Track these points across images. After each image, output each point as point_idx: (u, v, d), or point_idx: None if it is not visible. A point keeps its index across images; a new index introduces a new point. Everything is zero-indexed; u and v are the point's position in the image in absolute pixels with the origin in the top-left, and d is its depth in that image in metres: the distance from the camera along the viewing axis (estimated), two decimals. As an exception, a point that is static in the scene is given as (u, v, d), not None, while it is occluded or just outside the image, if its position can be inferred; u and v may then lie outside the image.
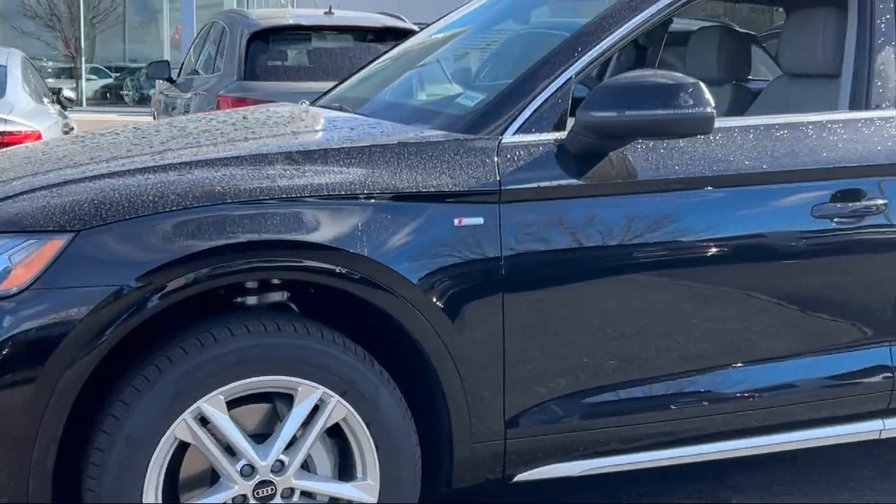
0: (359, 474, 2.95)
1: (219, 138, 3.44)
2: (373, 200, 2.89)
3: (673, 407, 3.25)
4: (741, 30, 4.99)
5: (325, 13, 8.93)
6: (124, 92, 37.53)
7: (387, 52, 4.69)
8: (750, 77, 4.68)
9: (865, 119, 3.42)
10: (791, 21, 3.97)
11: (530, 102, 3.12)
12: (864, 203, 3.34)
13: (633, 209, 3.13)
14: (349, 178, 2.89)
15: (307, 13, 9.57)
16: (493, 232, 2.97)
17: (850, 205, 3.33)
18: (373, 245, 2.84)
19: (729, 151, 3.22)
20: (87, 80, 36.91)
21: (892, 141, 3.40)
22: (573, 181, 3.06)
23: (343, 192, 2.86)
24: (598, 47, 3.21)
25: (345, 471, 2.98)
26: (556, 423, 3.12)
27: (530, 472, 3.15)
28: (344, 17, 8.94)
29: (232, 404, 2.83)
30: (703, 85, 2.99)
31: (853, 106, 3.49)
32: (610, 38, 3.23)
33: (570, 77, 3.15)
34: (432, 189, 2.94)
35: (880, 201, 3.35)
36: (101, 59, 38.91)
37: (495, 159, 3.00)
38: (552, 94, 3.14)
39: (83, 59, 35.33)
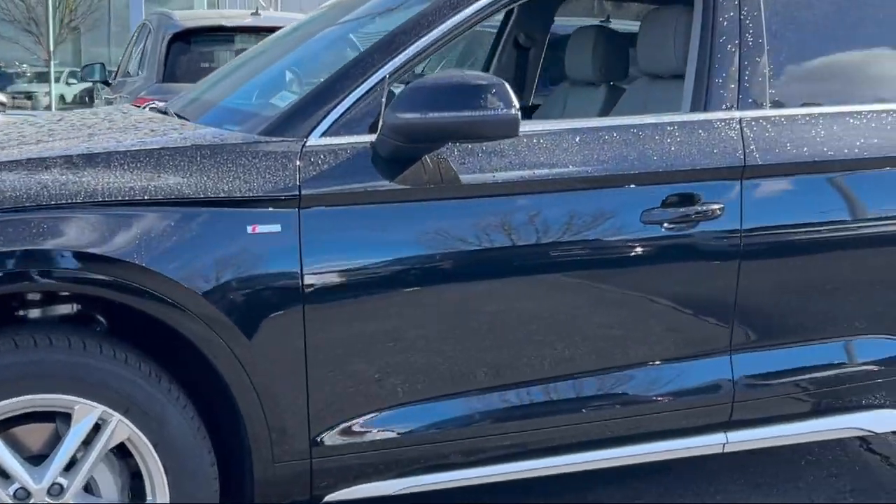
0: (149, 496, 2.80)
1: (39, 139, 3.29)
2: (156, 207, 2.74)
3: (501, 420, 3.12)
4: (621, 30, 4.83)
5: (252, 14, 8.78)
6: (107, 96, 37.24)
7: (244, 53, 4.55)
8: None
9: (701, 121, 3.27)
10: (646, 20, 3.84)
11: (339, 103, 2.99)
12: (697, 208, 3.19)
13: (447, 216, 2.99)
14: (131, 184, 2.75)
15: (234, 14, 9.42)
16: (291, 240, 2.83)
17: (682, 210, 3.19)
18: (154, 255, 2.69)
19: (553, 155, 3.08)
20: (68, 83, 36.60)
21: (729, 143, 3.24)
22: (382, 186, 2.93)
23: (122, 199, 2.71)
24: (414, 46, 3.08)
25: (137, 493, 2.83)
26: (367, 441, 2.98)
27: (341, 492, 3.01)
28: (270, 17, 8.79)
29: (9, 423, 2.66)
30: (507, 85, 2.86)
31: (694, 107, 3.34)
32: (428, 36, 3.09)
33: (384, 77, 3.01)
34: (223, 195, 2.79)
35: (716, 206, 3.20)
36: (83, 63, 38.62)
37: (297, 163, 2.86)
38: (363, 94, 3.00)
39: (54, 63, 35.05)
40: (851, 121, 3.41)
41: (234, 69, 4.07)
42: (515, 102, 2.85)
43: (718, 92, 3.32)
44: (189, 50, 8.37)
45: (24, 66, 37.05)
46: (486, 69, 4.99)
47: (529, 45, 4.91)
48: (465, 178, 2.99)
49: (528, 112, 4.86)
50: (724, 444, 3.38)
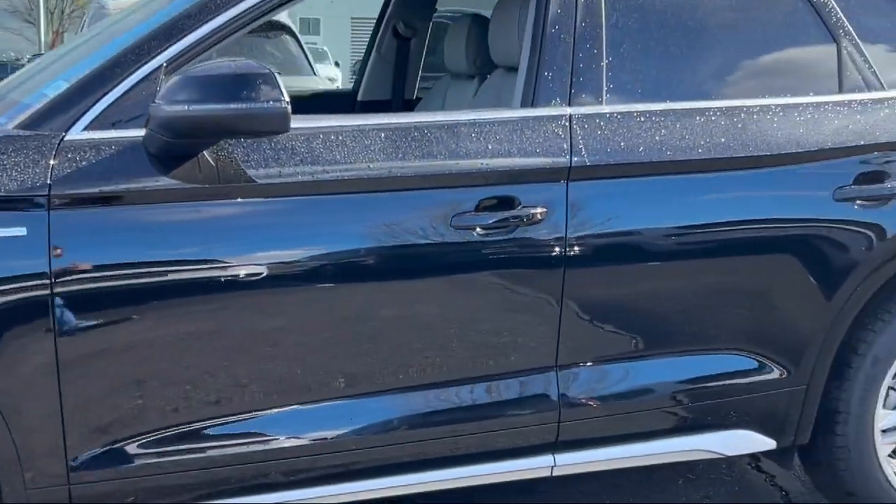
0: None
1: None
2: None
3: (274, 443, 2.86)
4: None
5: None
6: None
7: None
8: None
9: (526, 118, 2.99)
10: (497, 6, 3.56)
11: (107, 94, 2.73)
12: (516, 212, 2.91)
13: (222, 218, 2.72)
14: None
15: None
16: (39, 245, 2.56)
17: (498, 214, 2.91)
18: None
19: (353, 153, 2.81)
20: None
21: (555, 142, 2.97)
22: (151, 185, 2.65)
23: None
24: (197, 32, 2.80)
25: None
26: (132, 465, 2.71)
27: (103, 520, 2.74)
28: None
29: None
30: (276, 76, 2.58)
31: (524, 102, 3.06)
32: (214, 21, 2.83)
33: (160, 66, 2.73)
34: None
35: (537, 210, 2.92)
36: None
37: (50, 160, 2.58)
38: (136, 84, 2.74)
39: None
40: (698, 119, 3.12)
41: (56, 58, 3.79)
42: (284, 95, 2.57)
43: (548, 86, 3.04)
44: None
45: (27, 56, 36.91)
46: (365, 62, 4.71)
47: (410, 34, 4.64)
48: (253, 174, 2.71)
49: (412, 105, 4.60)
50: (552, 467, 3.10)
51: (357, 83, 4.76)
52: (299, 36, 8.14)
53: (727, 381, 3.23)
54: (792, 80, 3.33)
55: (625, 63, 3.14)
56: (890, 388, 3.49)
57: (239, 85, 2.56)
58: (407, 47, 4.68)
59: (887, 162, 3.30)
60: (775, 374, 3.26)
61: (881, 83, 3.37)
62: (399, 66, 4.67)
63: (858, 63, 3.35)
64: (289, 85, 2.81)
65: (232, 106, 2.55)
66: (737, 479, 4.10)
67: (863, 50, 3.36)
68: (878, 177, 3.27)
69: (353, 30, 17.50)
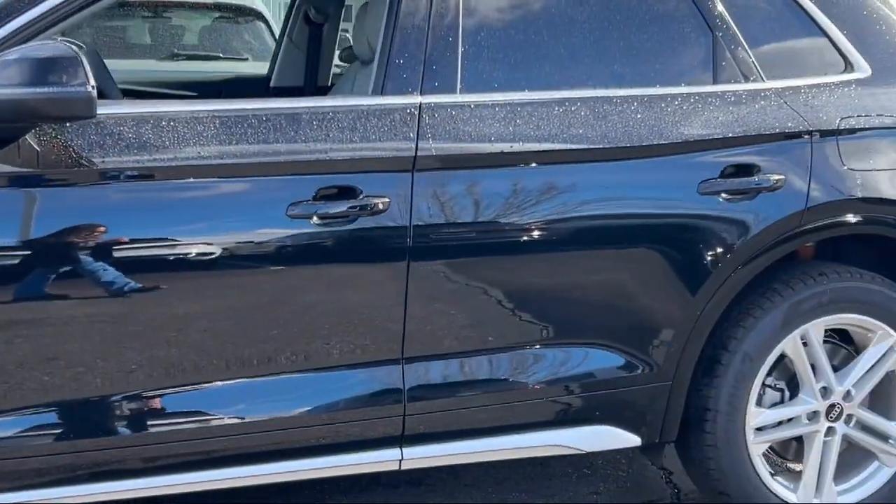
0: None
1: None
2: None
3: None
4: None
5: None
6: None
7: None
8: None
9: (373, 106, 2.94)
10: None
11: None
12: (356, 202, 2.87)
13: (40, 202, 2.68)
14: None
15: None
16: None
17: (338, 204, 2.86)
18: None
19: (183, 139, 2.77)
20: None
21: (401, 131, 2.95)
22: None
23: None
24: (27, 14, 2.75)
25: None
26: None
27: None
28: None
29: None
30: (82, 59, 2.54)
31: (375, 90, 3.02)
32: (41, 6, 2.77)
33: (-17, 49, 2.70)
34: None
35: (379, 200, 2.88)
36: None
37: None
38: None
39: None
40: (557, 109, 3.06)
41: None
42: (90, 80, 2.53)
43: (400, 74, 2.99)
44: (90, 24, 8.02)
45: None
46: (277, 48, 4.67)
47: (321, 20, 4.59)
48: (76, 159, 2.68)
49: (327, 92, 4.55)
50: (399, 461, 3.05)
51: (270, 70, 4.71)
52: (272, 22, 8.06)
53: (587, 377, 3.16)
54: (664, 69, 3.26)
55: (482, 52, 3.08)
56: (767, 385, 3.41)
57: (45, 69, 2.52)
58: (319, 33, 4.64)
59: (757, 155, 3.22)
60: (638, 370, 3.20)
61: (761, 74, 3.29)
62: (311, 53, 4.62)
63: (736, 53, 3.27)
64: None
65: (35, 90, 2.52)
66: (633, 475, 4.04)
67: (741, 40, 3.28)
68: (746, 170, 3.20)
69: None
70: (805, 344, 3.37)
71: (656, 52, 3.27)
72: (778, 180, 3.20)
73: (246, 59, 7.47)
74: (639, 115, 3.12)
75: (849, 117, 3.30)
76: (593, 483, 3.95)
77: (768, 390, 3.43)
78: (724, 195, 3.16)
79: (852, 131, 3.31)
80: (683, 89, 3.21)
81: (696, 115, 3.17)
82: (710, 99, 3.21)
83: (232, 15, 8.19)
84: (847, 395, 3.42)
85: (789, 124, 3.24)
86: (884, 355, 3.45)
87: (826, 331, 3.44)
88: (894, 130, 3.38)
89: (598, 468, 4.05)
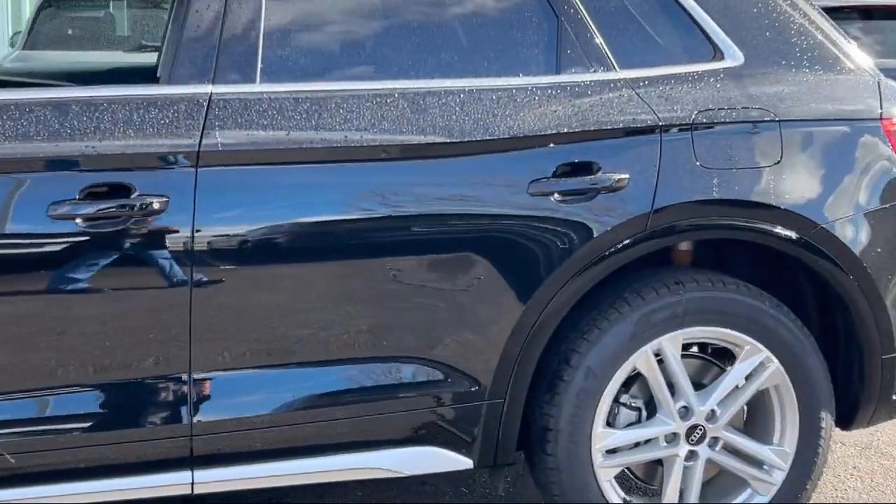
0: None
1: None
2: None
3: None
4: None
5: None
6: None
7: None
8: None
9: (153, 97, 2.72)
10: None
11: None
12: (128, 201, 2.64)
13: None
14: None
15: None
16: None
17: (106, 202, 2.63)
18: None
19: None
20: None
21: (183, 123, 2.72)
22: None
23: None
24: None
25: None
26: None
27: None
28: None
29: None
30: None
31: (162, 79, 2.79)
32: None
33: None
34: None
35: (156, 199, 2.63)
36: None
37: None
38: None
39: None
40: (369, 102, 2.79)
41: None
42: None
43: (189, 61, 2.73)
44: (57, 15, 7.91)
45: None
46: (163, 36, 4.43)
47: None
48: None
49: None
50: (191, 484, 2.80)
51: (157, 58, 4.48)
52: None
53: (405, 394, 2.89)
54: (500, 59, 2.98)
55: (287, 37, 2.82)
56: (622, 404, 3.11)
57: None
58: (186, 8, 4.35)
59: (597, 152, 2.92)
60: (465, 387, 2.92)
61: (613, 63, 2.99)
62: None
63: (584, 40, 2.98)
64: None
65: None
66: (507, 497, 3.75)
67: (590, 25, 2.98)
68: (583, 169, 2.91)
69: None
70: (662, 360, 3.05)
71: (491, 39, 2.99)
72: (620, 180, 2.90)
73: None
74: (464, 109, 2.84)
75: (708, 110, 2.99)
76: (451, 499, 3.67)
77: (623, 409, 3.12)
78: (556, 196, 2.87)
79: (710, 125, 3.00)
80: (516, 80, 2.93)
81: (530, 108, 2.88)
82: (548, 90, 2.92)
83: None
84: (711, 416, 3.11)
85: (637, 118, 2.94)
86: (753, 373, 3.12)
87: (700, 345, 3.15)
88: (760, 125, 3.03)
89: (477, 488, 3.76)
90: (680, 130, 2.97)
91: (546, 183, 2.87)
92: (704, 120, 2.99)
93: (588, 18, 3.00)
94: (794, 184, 3.03)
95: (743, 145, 3.01)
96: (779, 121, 3.04)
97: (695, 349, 3.15)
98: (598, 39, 3.00)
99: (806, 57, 3.15)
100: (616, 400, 3.12)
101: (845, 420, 3.33)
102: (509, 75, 2.95)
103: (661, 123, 2.95)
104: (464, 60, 2.96)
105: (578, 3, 3.00)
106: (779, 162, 3.02)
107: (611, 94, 2.96)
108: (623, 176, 2.91)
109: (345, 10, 2.90)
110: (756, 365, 3.12)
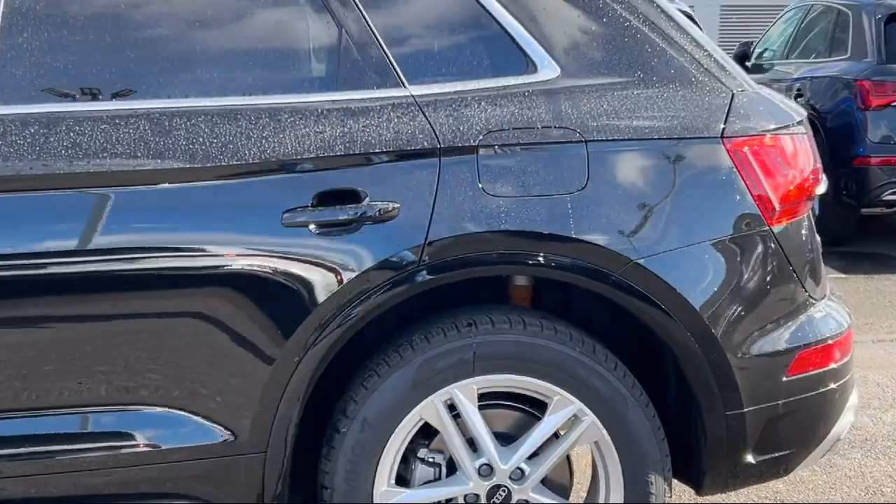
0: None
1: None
2: None
3: None
4: None
5: None
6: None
7: None
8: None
9: None
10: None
11: None
12: None
13: None
14: None
15: None
16: None
17: None
18: None
19: None
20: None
21: None
22: None
23: None
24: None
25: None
26: None
27: None
28: None
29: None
30: None
31: None
32: None
33: None
34: None
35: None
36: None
37: None
38: None
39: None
40: (105, 124, 2.58)
41: None
42: None
43: None
44: None
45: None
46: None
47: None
48: None
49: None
50: None
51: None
52: None
53: (149, 445, 2.63)
54: (270, 75, 2.70)
55: (21, 56, 2.61)
56: (421, 459, 2.78)
57: None
58: None
59: (363, 178, 2.61)
60: (219, 437, 2.65)
61: (402, 79, 2.67)
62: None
63: (368, 54, 2.68)
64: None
65: None
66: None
67: (376, 37, 2.68)
68: (346, 197, 2.60)
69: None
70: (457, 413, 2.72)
71: (260, 53, 2.71)
72: (388, 209, 2.59)
73: None
74: (214, 131, 2.57)
75: (500, 130, 2.64)
76: None
77: (421, 465, 2.78)
78: (313, 227, 2.57)
79: (500, 148, 2.64)
80: (283, 99, 2.65)
81: (293, 129, 2.60)
82: (318, 110, 2.63)
83: None
84: (520, 476, 2.74)
85: (413, 140, 2.62)
86: (569, 427, 2.74)
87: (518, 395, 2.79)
88: (563, 146, 2.66)
89: None
90: (463, 154, 2.63)
91: (302, 212, 2.58)
92: (493, 142, 2.64)
93: (374, 29, 2.69)
94: (601, 213, 2.64)
95: (539, 170, 2.65)
96: (586, 141, 2.65)
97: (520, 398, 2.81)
98: (385, 52, 2.68)
99: (638, 68, 2.76)
100: (415, 454, 2.77)
101: (697, 483, 2.90)
102: (278, 93, 2.66)
103: (440, 146, 2.61)
104: (226, 77, 2.69)
105: (363, 11, 2.69)
106: (583, 188, 2.63)
107: (392, 114, 2.64)
108: (392, 205, 2.59)
109: (87, 24, 2.66)
110: (568, 418, 2.73)
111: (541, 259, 2.65)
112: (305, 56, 2.72)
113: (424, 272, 2.62)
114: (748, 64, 10.04)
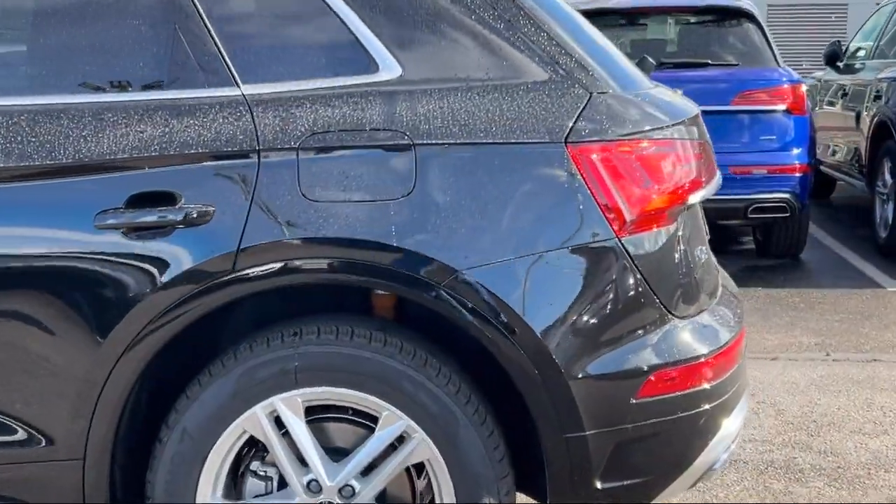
0: None
1: None
2: None
3: None
4: None
5: None
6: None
7: None
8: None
9: None
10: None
11: None
12: None
13: None
14: None
15: None
16: None
17: None
18: None
19: None
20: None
21: None
22: None
23: None
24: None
25: None
26: None
27: None
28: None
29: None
30: None
31: None
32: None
33: None
34: None
35: None
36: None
37: None
38: None
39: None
40: None
41: None
42: None
43: None
44: None
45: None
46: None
47: None
48: None
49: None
50: None
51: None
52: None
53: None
54: (101, 72, 2.65)
55: None
56: (253, 472, 2.70)
57: None
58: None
59: (177, 180, 2.54)
60: (36, 443, 2.61)
61: (235, 78, 2.60)
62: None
63: (202, 52, 2.61)
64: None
65: None
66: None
67: (210, 34, 2.61)
68: (161, 199, 2.53)
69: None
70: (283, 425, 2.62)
71: (88, 50, 2.66)
72: (203, 213, 2.51)
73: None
74: (34, 130, 2.54)
75: (325, 132, 2.54)
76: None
77: (252, 478, 2.70)
78: (125, 230, 2.50)
79: (323, 150, 2.54)
80: (108, 97, 2.60)
81: (115, 129, 2.55)
82: (143, 109, 2.57)
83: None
84: (351, 493, 2.63)
85: (233, 141, 2.53)
86: (399, 444, 2.62)
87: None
88: (390, 150, 2.54)
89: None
90: (284, 156, 2.53)
91: (114, 214, 2.52)
92: (316, 144, 2.53)
93: (209, 25, 2.61)
94: (427, 220, 2.51)
95: (363, 174, 2.53)
96: (414, 144, 2.52)
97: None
98: (220, 50, 2.60)
99: (487, 68, 2.62)
100: (248, 467, 2.69)
101: (548, 508, 2.74)
102: (105, 91, 2.61)
103: (258, 147, 2.52)
104: (54, 75, 2.64)
105: (199, 6, 2.61)
106: (409, 194, 2.51)
107: (218, 114, 2.56)
108: (207, 208, 2.50)
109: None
110: (398, 435, 2.60)
111: (361, 268, 2.52)
112: (139, 54, 2.64)
113: (238, 279, 2.52)
114: (840, 64, 9.53)
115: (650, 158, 2.62)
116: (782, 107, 7.18)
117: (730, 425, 2.78)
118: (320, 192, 2.51)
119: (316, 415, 2.68)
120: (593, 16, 7.91)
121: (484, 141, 2.55)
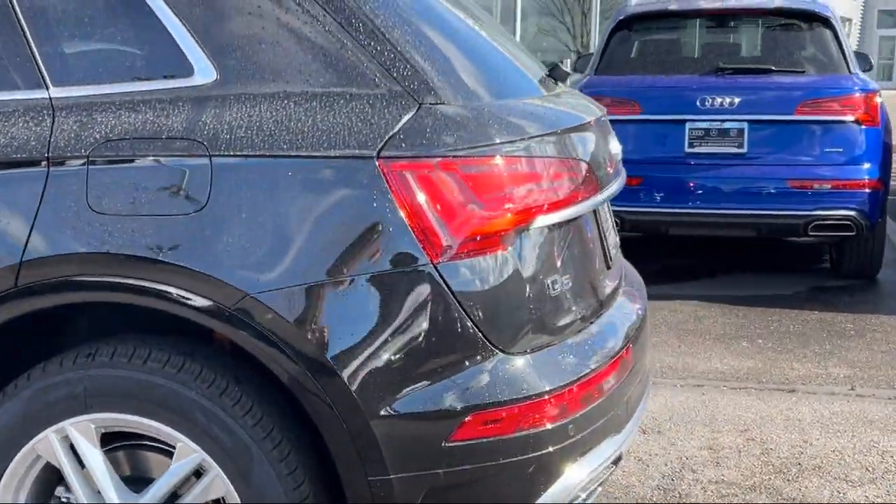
0: None
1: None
2: None
3: None
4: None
5: None
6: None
7: None
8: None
9: None
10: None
11: None
12: None
13: None
14: None
15: None
16: None
17: None
18: None
19: None
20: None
21: None
22: None
23: None
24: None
25: None
26: None
27: None
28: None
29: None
30: None
31: None
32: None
33: None
34: None
35: None
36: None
37: None
38: None
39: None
40: None
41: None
42: None
43: None
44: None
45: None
46: None
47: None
48: None
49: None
50: None
51: None
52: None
53: None
54: None
55: None
56: (56, 497, 2.58)
57: None
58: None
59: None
60: None
61: (45, 80, 2.47)
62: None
63: (13, 51, 2.49)
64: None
65: None
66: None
67: (25, 33, 2.49)
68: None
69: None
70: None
71: None
72: (-17, 225, 2.37)
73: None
74: None
75: (119, 140, 2.38)
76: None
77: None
78: None
79: (114, 160, 2.38)
80: None
81: None
82: None
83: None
84: (156, 527, 2.46)
85: (26, 147, 2.41)
86: (199, 480, 2.44)
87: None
88: (184, 161, 2.36)
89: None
90: (74, 165, 2.37)
91: None
92: (108, 152, 2.37)
93: (24, 23, 2.48)
94: (219, 237, 2.32)
95: (154, 186, 2.35)
96: (210, 156, 2.33)
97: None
98: (32, 51, 2.46)
99: (309, 76, 2.41)
100: (52, 493, 2.55)
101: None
102: None
103: (48, 155, 2.37)
104: None
105: (14, 4, 2.48)
106: (201, 209, 2.32)
107: (19, 118, 2.43)
108: (-8, 219, 2.36)
109: None
110: (193, 468, 2.42)
111: (145, 287, 2.33)
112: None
113: (21, 294, 2.37)
114: None
115: (480, 178, 2.36)
116: (852, 117, 6.70)
117: (576, 473, 2.49)
118: (107, 203, 2.34)
119: (126, 440, 2.50)
120: (650, 18, 7.54)
121: (287, 154, 2.33)
